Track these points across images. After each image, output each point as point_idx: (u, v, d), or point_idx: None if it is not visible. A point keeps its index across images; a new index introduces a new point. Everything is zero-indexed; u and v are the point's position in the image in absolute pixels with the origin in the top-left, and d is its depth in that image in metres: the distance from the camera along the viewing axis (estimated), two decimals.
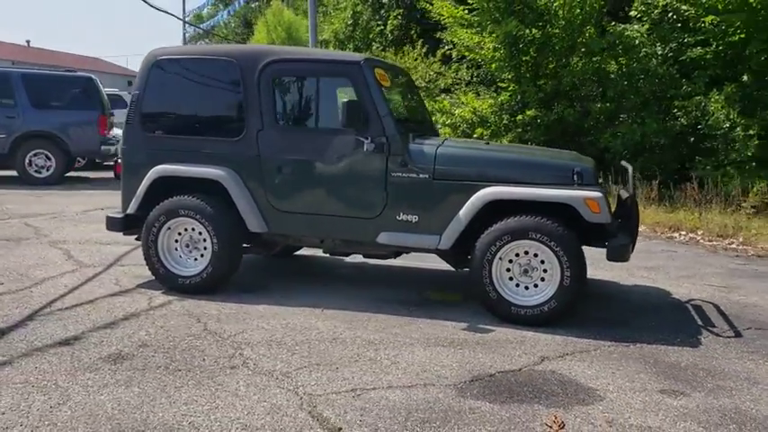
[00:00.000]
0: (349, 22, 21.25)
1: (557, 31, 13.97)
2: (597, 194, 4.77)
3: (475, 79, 18.82)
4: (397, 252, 5.62)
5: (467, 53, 15.36)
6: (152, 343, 4.35)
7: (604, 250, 4.97)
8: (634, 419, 3.45)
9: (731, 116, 12.50)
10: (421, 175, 5.08)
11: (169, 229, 5.50)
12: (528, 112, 13.82)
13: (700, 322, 5.20)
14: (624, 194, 5.08)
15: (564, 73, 14.09)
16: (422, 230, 5.12)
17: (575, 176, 4.96)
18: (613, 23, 14.33)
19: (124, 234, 6.04)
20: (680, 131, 13.35)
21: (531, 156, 5.53)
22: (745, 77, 13.02)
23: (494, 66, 14.62)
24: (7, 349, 4.17)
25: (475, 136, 14.41)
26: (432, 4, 15.55)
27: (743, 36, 12.59)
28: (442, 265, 5.77)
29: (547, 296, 4.82)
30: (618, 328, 4.95)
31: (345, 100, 5.03)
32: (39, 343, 4.30)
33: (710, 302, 5.77)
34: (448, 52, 18.36)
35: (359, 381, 3.83)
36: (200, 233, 5.47)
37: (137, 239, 6.12)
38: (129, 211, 5.63)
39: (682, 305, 5.70)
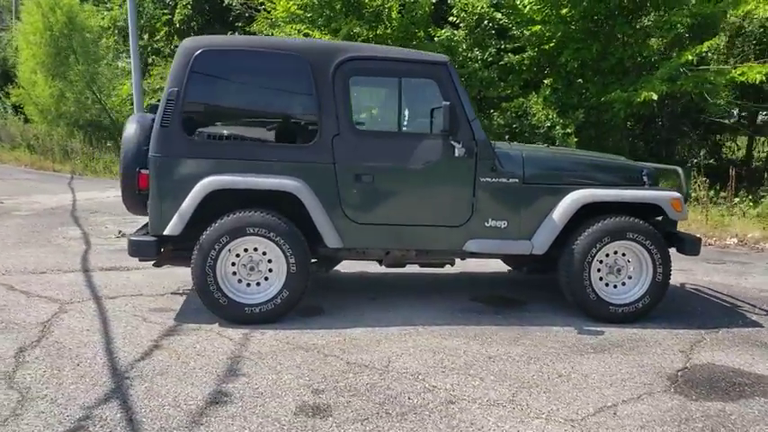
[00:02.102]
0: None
1: (389, 32, 14.26)
2: (678, 195, 5.11)
3: None
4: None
5: None
6: (321, 387, 3.70)
7: None
8: None
9: (550, 116, 13.91)
10: (510, 180, 4.97)
11: (229, 251, 4.69)
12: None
13: (727, 305, 5.81)
14: None
15: None
16: (511, 236, 5.01)
17: (644, 177, 5.25)
18: (436, 27, 15.03)
19: (140, 260, 5.01)
20: (499, 131, 14.54)
21: (606, 159, 5.69)
22: (547, 81, 14.54)
23: None
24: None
25: None
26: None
27: (553, 45, 14.04)
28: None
29: (641, 293, 5.04)
30: (687, 317, 5.31)
31: (447, 103, 4.72)
32: (188, 405, 3.42)
33: (703, 286, 6.48)
34: None
35: (588, 399, 3.67)
36: (263, 253, 4.74)
37: (156, 266, 5.12)
38: (170, 231, 4.65)
39: (686, 290, 6.31)
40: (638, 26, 13.52)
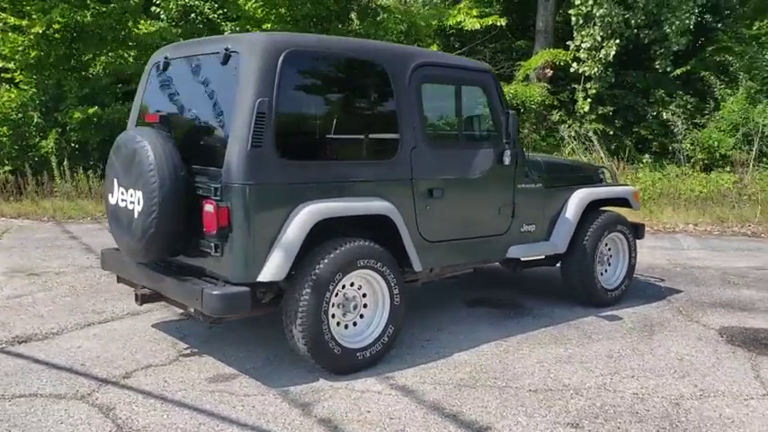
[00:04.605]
0: None
1: (94, 19, 12.56)
2: (637, 189, 5.93)
3: None
4: None
5: None
6: (568, 420, 3.50)
7: None
8: None
9: None
10: (537, 185, 5.18)
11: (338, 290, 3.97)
12: (75, 115, 11.99)
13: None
14: None
15: (97, 64, 12.94)
16: (537, 238, 5.23)
17: (601, 175, 5.97)
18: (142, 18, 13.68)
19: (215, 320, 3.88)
20: None
21: (578, 161, 6.11)
22: None
23: (33, 56, 12.13)
24: None
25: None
26: None
27: None
28: None
29: (622, 277, 5.74)
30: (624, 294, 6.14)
31: (512, 111, 4.69)
32: None
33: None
34: None
35: (736, 375, 4.17)
36: (359, 287, 4.12)
37: (213, 324, 4.03)
38: (272, 276, 3.69)
39: None
40: (350, 29, 14.27)
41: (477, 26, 13.00)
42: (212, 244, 3.74)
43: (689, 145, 14.58)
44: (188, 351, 4.41)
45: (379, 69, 4.23)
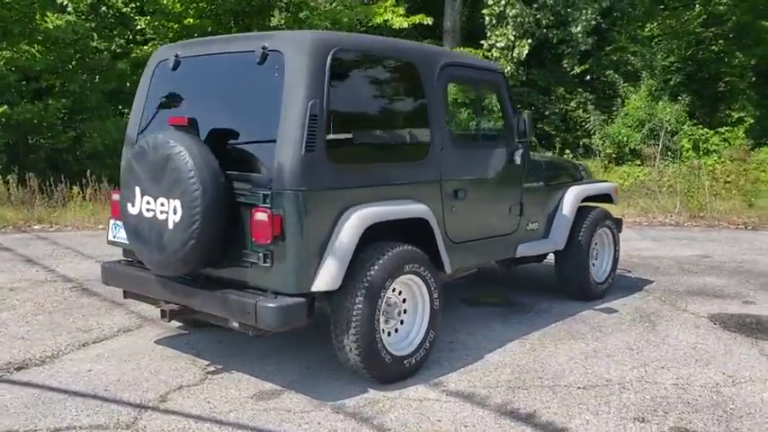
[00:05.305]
0: None
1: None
2: (616, 184, 6.15)
3: None
4: None
5: None
6: (634, 415, 3.58)
7: None
8: None
9: None
10: (539, 183, 5.26)
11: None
12: None
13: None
14: None
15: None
16: (540, 236, 5.31)
17: (582, 173, 6.15)
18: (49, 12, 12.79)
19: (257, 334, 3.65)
20: None
21: (564, 159, 6.19)
22: None
23: None
24: None
25: None
26: None
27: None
28: None
29: (608, 270, 5.93)
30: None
31: (526, 111, 4.73)
32: None
33: None
34: None
35: (746, 361, 4.42)
36: (399, 293, 4.03)
37: (260, 336, 3.79)
38: (327, 285, 3.53)
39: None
40: (272, 25, 13.95)
41: (405, 24, 13.03)
42: (261, 254, 3.52)
43: (599, 140, 15.31)
44: (212, 368, 4.15)
45: (414, 69, 4.15)
